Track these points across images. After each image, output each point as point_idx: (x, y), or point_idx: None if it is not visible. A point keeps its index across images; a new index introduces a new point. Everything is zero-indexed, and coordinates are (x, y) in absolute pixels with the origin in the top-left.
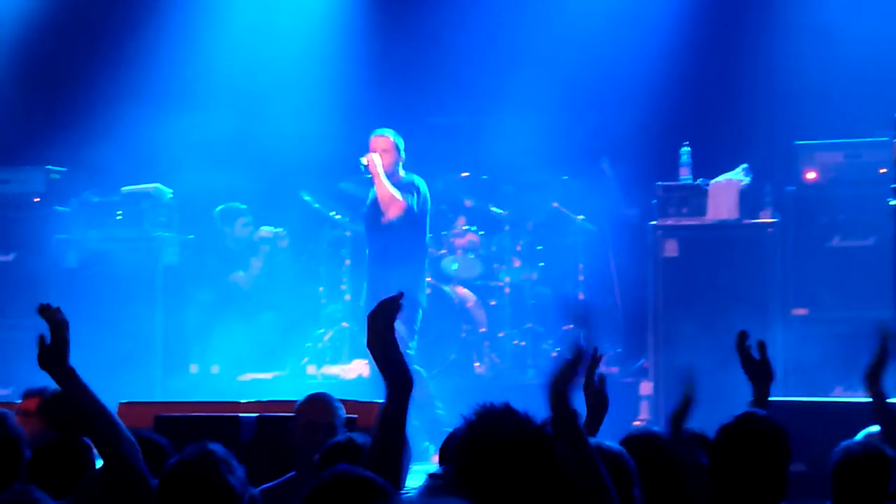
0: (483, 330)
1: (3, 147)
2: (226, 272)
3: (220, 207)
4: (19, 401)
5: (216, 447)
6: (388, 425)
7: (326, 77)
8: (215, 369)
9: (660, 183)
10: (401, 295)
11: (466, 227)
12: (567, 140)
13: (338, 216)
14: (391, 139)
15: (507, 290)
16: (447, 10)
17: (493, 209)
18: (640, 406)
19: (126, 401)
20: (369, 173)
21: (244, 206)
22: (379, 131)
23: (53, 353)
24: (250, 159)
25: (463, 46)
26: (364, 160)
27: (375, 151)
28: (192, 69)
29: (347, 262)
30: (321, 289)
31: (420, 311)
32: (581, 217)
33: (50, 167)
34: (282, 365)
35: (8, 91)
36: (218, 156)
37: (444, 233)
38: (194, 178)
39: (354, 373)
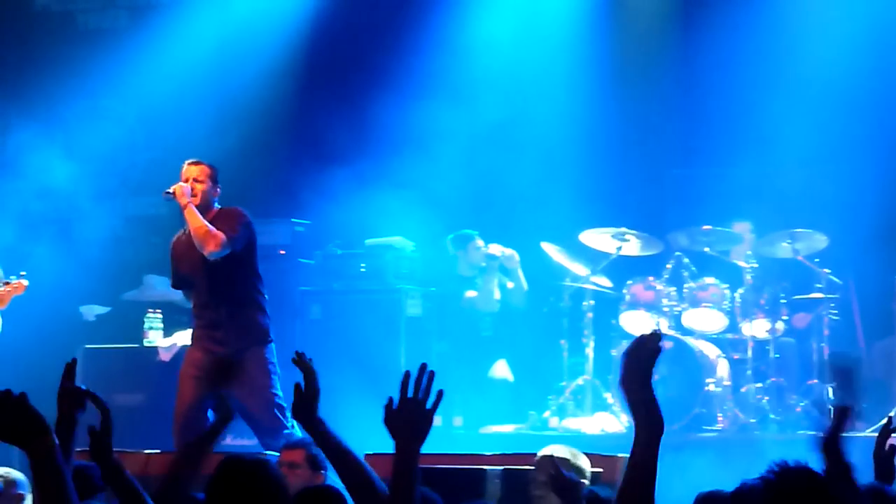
0: (727, 384)
1: (251, 200)
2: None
3: (451, 236)
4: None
5: None
6: (637, 466)
7: (572, 130)
8: (458, 421)
9: None
10: (660, 333)
11: (710, 281)
12: (811, 192)
13: (578, 268)
14: (207, 168)
15: (750, 343)
16: (692, 66)
17: (736, 262)
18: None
19: (371, 452)
20: (175, 201)
21: (476, 232)
22: (192, 160)
23: (306, 403)
24: (491, 216)
25: (706, 101)
26: (171, 188)
27: (187, 181)
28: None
29: (590, 314)
30: (563, 342)
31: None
32: (827, 271)
33: (294, 220)
34: (523, 417)
35: (255, 145)
36: (457, 212)
37: (687, 286)
38: (434, 232)
39: (598, 426)
